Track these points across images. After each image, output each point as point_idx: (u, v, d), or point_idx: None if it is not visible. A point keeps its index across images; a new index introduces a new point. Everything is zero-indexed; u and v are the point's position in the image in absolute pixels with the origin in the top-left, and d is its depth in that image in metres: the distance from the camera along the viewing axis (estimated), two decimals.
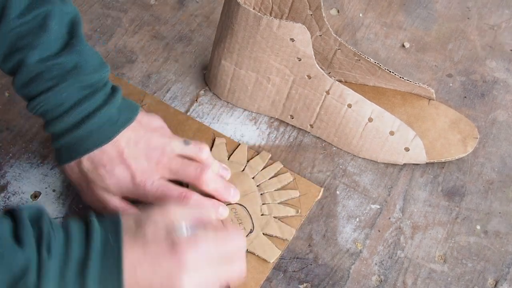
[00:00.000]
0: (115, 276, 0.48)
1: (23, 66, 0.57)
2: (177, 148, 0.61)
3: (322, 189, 0.69)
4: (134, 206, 0.61)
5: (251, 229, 0.64)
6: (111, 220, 0.50)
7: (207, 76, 0.78)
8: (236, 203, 0.65)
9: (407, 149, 0.71)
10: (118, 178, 0.59)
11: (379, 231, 0.67)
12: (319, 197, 0.68)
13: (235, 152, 0.71)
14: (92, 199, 0.61)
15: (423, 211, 0.69)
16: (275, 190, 0.68)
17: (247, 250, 0.62)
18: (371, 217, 0.68)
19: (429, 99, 0.77)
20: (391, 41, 0.86)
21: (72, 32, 0.59)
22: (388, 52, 0.84)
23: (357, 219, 0.68)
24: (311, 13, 0.74)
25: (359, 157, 0.73)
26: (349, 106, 0.70)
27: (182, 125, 0.73)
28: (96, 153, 0.58)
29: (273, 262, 0.63)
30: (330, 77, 0.69)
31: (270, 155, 0.71)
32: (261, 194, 0.67)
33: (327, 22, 0.74)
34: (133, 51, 0.80)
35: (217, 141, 0.71)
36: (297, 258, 0.65)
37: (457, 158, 0.72)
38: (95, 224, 0.49)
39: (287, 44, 0.67)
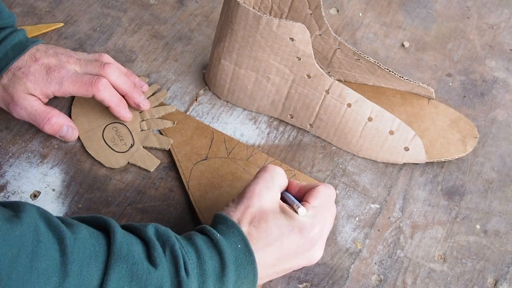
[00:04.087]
0: (251, 277, 0.53)
1: None
2: (82, 56, 0.71)
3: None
4: (54, 108, 0.69)
5: (131, 144, 0.70)
6: (227, 227, 0.54)
7: (206, 76, 0.78)
8: (116, 122, 0.72)
9: (406, 149, 0.71)
10: (35, 75, 0.67)
11: (378, 230, 0.67)
12: None
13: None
14: (16, 109, 0.67)
15: (422, 210, 0.69)
16: (153, 107, 0.74)
17: (128, 162, 0.69)
18: (371, 216, 0.68)
19: (429, 99, 0.77)
20: (390, 40, 0.86)
21: None
22: (388, 51, 0.84)
23: (357, 219, 0.68)
24: (311, 12, 0.74)
25: (359, 157, 0.73)
26: (349, 105, 0.70)
27: (181, 123, 0.73)
28: (13, 65, 0.67)
29: None
30: (330, 76, 0.69)
31: (148, 79, 0.77)
32: (140, 112, 0.73)
33: (326, 22, 0.74)
34: (132, 51, 0.80)
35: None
36: None
37: (456, 157, 0.72)
38: (218, 235, 0.53)
39: (286, 44, 0.67)
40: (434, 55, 0.84)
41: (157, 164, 0.69)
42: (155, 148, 0.70)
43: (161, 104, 0.74)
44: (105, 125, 0.72)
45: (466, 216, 0.69)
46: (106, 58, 0.72)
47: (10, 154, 0.69)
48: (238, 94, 0.75)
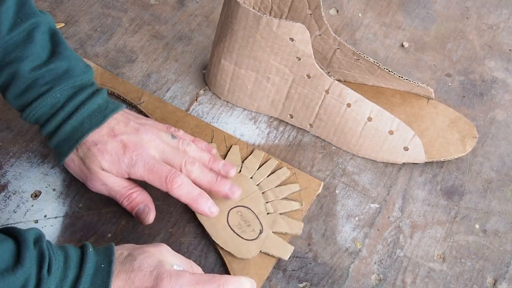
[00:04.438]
0: None
1: (17, 77, 0.60)
2: (166, 138, 0.64)
3: (322, 183, 0.69)
4: (138, 185, 0.63)
5: (260, 230, 0.64)
6: (106, 248, 0.53)
7: (206, 76, 0.78)
8: (240, 206, 0.65)
9: (406, 149, 0.71)
10: (111, 154, 0.61)
11: (378, 230, 0.67)
12: (319, 191, 0.69)
13: (227, 155, 0.70)
14: (96, 185, 0.63)
15: (422, 210, 0.69)
16: (276, 187, 0.68)
17: (260, 251, 0.63)
18: (370, 216, 0.68)
19: (428, 99, 0.77)
20: (390, 40, 0.86)
21: (54, 39, 0.63)
22: (387, 51, 0.84)
23: (357, 218, 0.68)
24: (311, 12, 0.74)
25: (359, 156, 0.73)
26: (349, 105, 0.70)
27: (181, 122, 0.73)
28: (89, 138, 0.61)
29: (275, 258, 0.63)
30: (330, 76, 0.70)
31: (263, 153, 0.71)
32: (262, 193, 0.67)
33: (326, 22, 0.74)
34: (133, 51, 0.80)
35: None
36: (296, 257, 0.65)
37: (456, 157, 0.72)
38: (90, 249, 0.52)
39: (286, 44, 0.67)
40: (433, 55, 0.85)
41: (292, 251, 0.63)
42: (286, 234, 0.65)
43: (274, 172, 0.69)
44: (228, 209, 0.65)
45: (465, 215, 0.70)
46: (190, 146, 0.65)
47: (11, 154, 0.69)
48: (238, 94, 0.75)
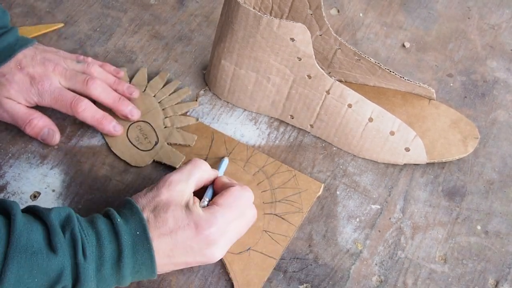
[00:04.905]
0: (148, 265, 0.54)
1: None
2: (71, 65, 0.70)
3: (322, 185, 0.69)
4: (37, 111, 0.68)
5: (156, 141, 0.70)
6: (131, 213, 0.55)
7: (207, 76, 0.78)
8: (140, 120, 0.72)
9: (407, 149, 0.71)
10: (18, 84, 0.66)
11: (379, 231, 0.67)
12: (320, 193, 0.68)
13: (135, 76, 0.76)
14: (1, 112, 0.67)
15: (423, 211, 0.69)
16: (175, 104, 0.74)
17: (154, 160, 0.69)
18: (372, 217, 0.68)
19: (430, 99, 0.77)
20: (391, 41, 0.85)
21: None
22: (389, 52, 0.84)
23: (358, 219, 0.68)
24: (311, 12, 0.74)
25: (359, 157, 0.73)
26: (349, 106, 0.70)
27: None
28: None
29: (276, 259, 0.63)
30: (330, 77, 0.69)
31: (169, 74, 0.77)
32: (163, 109, 0.73)
33: (327, 22, 0.74)
34: (132, 51, 0.80)
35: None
36: (297, 258, 0.64)
37: (457, 158, 0.72)
38: (119, 220, 0.54)
39: (287, 44, 0.67)
40: (435, 56, 0.84)
41: (183, 160, 0.69)
42: (179, 145, 0.71)
43: (175, 91, 0.76)
44: (129, 124, 0.71)
45: (467, 217, 0.69)
46: (94, 68, 0.71)
47: (10, 155, 0.69)
48: (238, 94, 0.75)
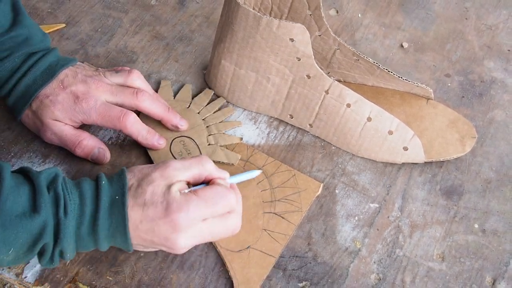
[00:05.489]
0: (121, 230, 0.55)
1: None
2: (111, 78, 0.69)
3: (322, 185, 0.69)
4: (85, 131, 0.68)
5: None
6: (119, 177, 0.57)
7: (207, 76, 0.78)
8: (184, 136, 0.71)
9: (405, 149, 0.71)
10: (62, 104, 0.66)
11: (378, 229, 0.68)
12: (319, 193, 0.69)
13: (180, 91, 0.76)
14: (47, 135, 0.67)
15: (421, 210, 0.70)
16: (219, 122, 0.74)
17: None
18: (370, 216, 0.69)
19: (428, 99, 0.77)
20: (389, 41, 0.86)
21: (15, 8, 0.68)
22: (387, 52, 0.85)
23: (356, 218, 0.68)
24: (310, 13, 0.74)
25: (358, 157, 0.73)
26: (348, 105, 0.70)
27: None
28: (41, 92, 0.66)
29: (275, 257, 0.64)
30: (329, 77, 0.70)
31: (213, 92, 0.76)
32: (207, 126, 0.73)
33: (326, 22, 0.74)
34: (133, 51, 0.81)
35: (163, 83, 0.77)
36: (296, 256, 0.65)
37: (455, 157, 0.72)
38: (104, 182, 0.56)
39: (286, 44, 0.67)
40: (432, 56, 0.85)
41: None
42: (222, 163, 0.70)
43: (220, 109, 0.75)
44: (172, 138, 0.71)
45: (464, 215, 0.70)
46: (136, 76, 0.70)
47: (12, 154, 0.69)
48: (238, 94, 0.75)
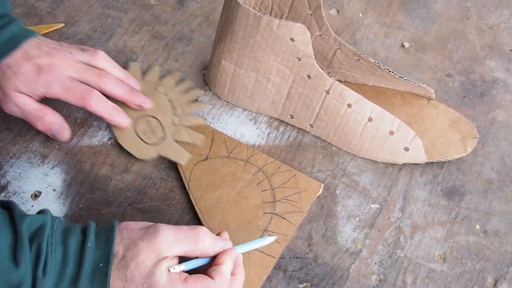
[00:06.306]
0: None
1: None
2: (77, 55, 0.68)
3: (322, 185, 0.69)
4: (48, 107, 0.67)
5: (162, 137, 0.70)
6: (106, 240, 0.53)
7: (207, 76, 0.78)
8: (149, 115, 0.72)
9: (406, 149, 0.71)
10: (25, 75, 0.64)
11: (378, 230, 0.67)
12: (319, 193, 0.69)
13: (147, 72, 0.77)
14: (9, 106, 0.66)
15: (422, 210, 0.69)
16: (186, 103, 0.75)
17: (160, 156, 0.70)
18: (371, 216, 0.68)
19: (429, 99, 0.77)
20: (390, 41, 0.86)
21: None
22: (388, 52, 0.84)
23: (357, 219, 0.68)
24: (311, 13, 0.74)
25: (359, 157, 0.73)
26: (349, 105, 0.70)
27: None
28: (3, 62, 0.64)
29: (275, 258, 0.63)
30: (330, 76, 0.70)
31: (180, 73, 0.78)
32: (173, 108, 0.73)
33: (327, 22, 0.74)
34: (133, 51, 0.80)
35: (131, 65, 0.77)
36: (297, 257, 0.65)
37: (456, 157, 0.72)
38: (90, 244, 0.53)
39: (287, 44, 0.67)
40: (434, 56, 0.85)
41: (189, 158, 0.69)
42: (186, 143, 0.71)
43: (186, 91, 0.76)
44: (137, 117, 0.72)
45: (466, 216, 0.70)
46: (102, 58, 0.70)
47: (11, 155, 0.69)
48: (238, 94, 0.75)
